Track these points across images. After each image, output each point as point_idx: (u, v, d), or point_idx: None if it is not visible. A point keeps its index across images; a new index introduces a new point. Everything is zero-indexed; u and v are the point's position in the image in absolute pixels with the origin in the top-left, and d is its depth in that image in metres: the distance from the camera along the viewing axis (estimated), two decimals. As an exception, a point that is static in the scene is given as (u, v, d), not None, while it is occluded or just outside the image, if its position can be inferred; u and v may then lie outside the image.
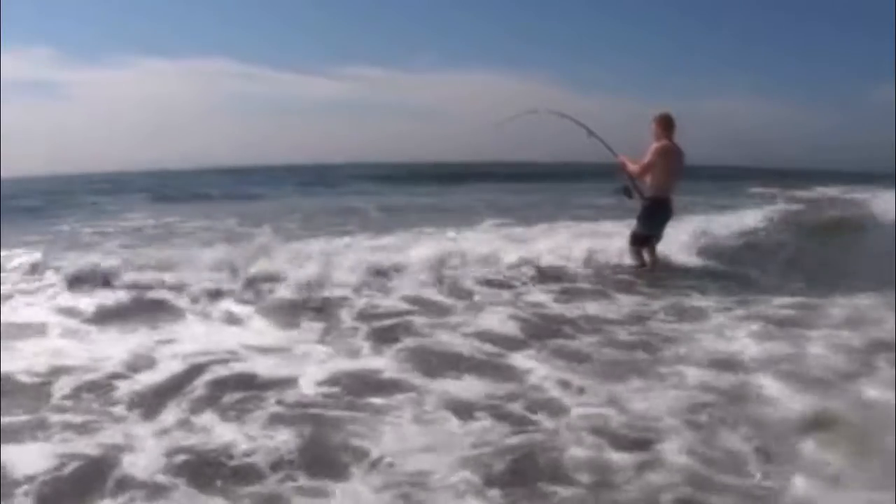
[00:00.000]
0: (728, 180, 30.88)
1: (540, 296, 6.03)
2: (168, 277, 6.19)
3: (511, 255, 7.13)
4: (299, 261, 6.57)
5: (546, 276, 6.73)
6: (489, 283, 6.49)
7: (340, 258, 6.78)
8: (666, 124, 6.54)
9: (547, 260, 7.17)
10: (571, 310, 5.46)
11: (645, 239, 6.75)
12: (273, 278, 6.17)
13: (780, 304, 5.48)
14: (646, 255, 6.85)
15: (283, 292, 5.88)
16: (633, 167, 6.60)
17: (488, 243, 7.85)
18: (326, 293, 5.84)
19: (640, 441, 2.94)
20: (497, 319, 5.14)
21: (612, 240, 7.68)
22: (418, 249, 7.13)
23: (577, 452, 2.83)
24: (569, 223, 10.55)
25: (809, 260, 8.36)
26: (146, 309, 5.48)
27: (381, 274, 6.40)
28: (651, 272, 6.76)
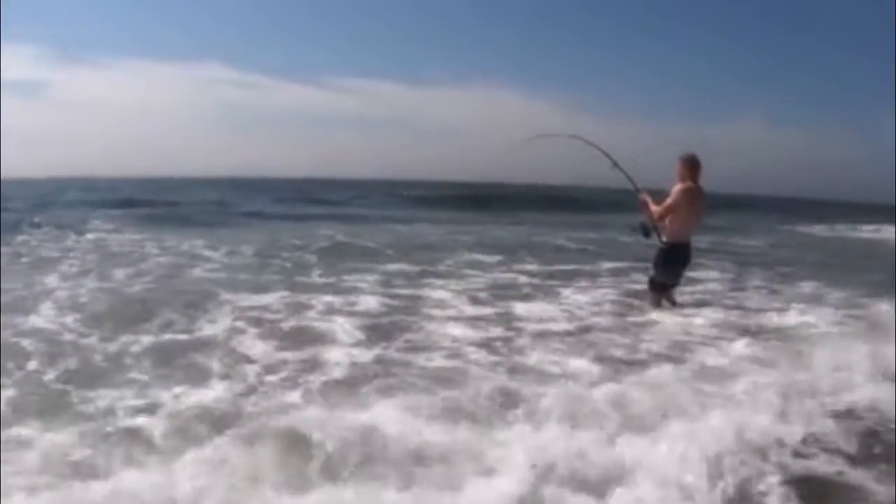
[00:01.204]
0: (746, 211, 29.84)
1: None
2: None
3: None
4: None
5: None
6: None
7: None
8: (691, 165, 6.32)
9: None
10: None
11: (665, 286, 6.59)
12: None
13: None
14: (664, 302, 6.72)
15: None
16: (654, 208, 6.36)
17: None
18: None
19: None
20: None
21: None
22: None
23: None
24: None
25: None
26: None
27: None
28: (670, 309, 6.64)
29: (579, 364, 4.76)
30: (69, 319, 5.87)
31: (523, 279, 8.86)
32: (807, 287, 8.65)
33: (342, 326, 5.83)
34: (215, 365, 4.64)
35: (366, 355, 4.97)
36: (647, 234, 6.52)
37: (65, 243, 12.25)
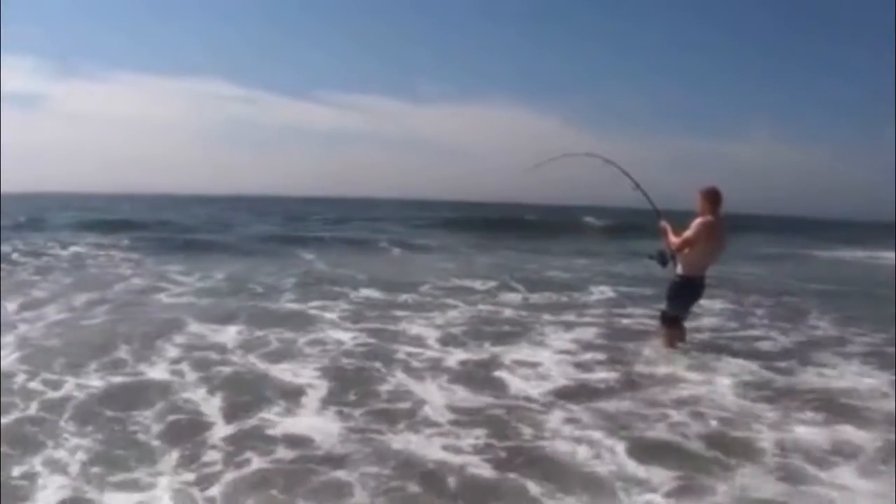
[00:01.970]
0: (751, 233, 28.95)
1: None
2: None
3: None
4: None
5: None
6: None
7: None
8: (713, 199, 6.20)
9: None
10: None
11: (676, 319, 6.44)
12: None
13: None
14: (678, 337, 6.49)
15: None
16: (673, 239, 6.24)
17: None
18: None
19: None
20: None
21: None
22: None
23: None
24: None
25: None
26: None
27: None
28: (681, 345, 6.38)
29: (611, 454, 3.77)
30: (20, 356, 5.60)
31: (513, 313, 8.18)
32: (824, 326, 7.98)
33: (301, 378, 5.14)
34: (141, 437, 3.97)
35: (326, 428, 4.09)
36: (664, 262, 6.34)
37: (43, 266, 12.27)
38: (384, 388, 4.95)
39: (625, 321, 7.73)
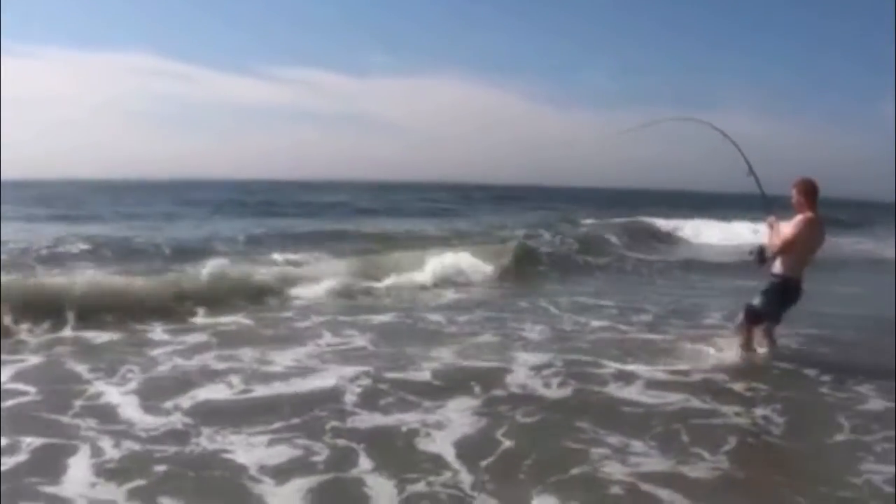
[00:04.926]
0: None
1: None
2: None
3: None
4: None
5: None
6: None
7: None
8: (810, 192, 5.93)
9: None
10: None
11: (761, 318, 6.18)
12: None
13: None
14: (756, 341, 6.22)
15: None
16: (775, 240, 5.99)
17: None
18: None
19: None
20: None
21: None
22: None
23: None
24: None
25: None
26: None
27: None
28: (767, 358, 6.04)
29: None
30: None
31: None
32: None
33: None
34: None
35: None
36: (762, 260, 6.04)
37: None
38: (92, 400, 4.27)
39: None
